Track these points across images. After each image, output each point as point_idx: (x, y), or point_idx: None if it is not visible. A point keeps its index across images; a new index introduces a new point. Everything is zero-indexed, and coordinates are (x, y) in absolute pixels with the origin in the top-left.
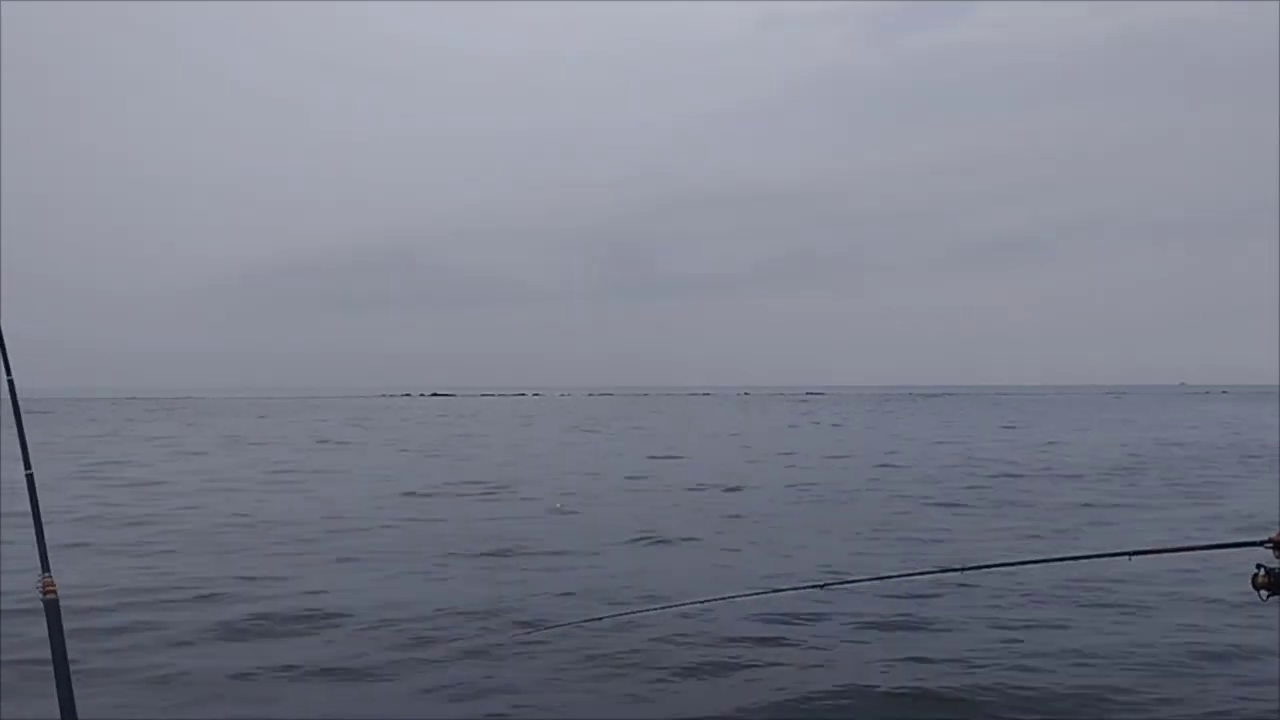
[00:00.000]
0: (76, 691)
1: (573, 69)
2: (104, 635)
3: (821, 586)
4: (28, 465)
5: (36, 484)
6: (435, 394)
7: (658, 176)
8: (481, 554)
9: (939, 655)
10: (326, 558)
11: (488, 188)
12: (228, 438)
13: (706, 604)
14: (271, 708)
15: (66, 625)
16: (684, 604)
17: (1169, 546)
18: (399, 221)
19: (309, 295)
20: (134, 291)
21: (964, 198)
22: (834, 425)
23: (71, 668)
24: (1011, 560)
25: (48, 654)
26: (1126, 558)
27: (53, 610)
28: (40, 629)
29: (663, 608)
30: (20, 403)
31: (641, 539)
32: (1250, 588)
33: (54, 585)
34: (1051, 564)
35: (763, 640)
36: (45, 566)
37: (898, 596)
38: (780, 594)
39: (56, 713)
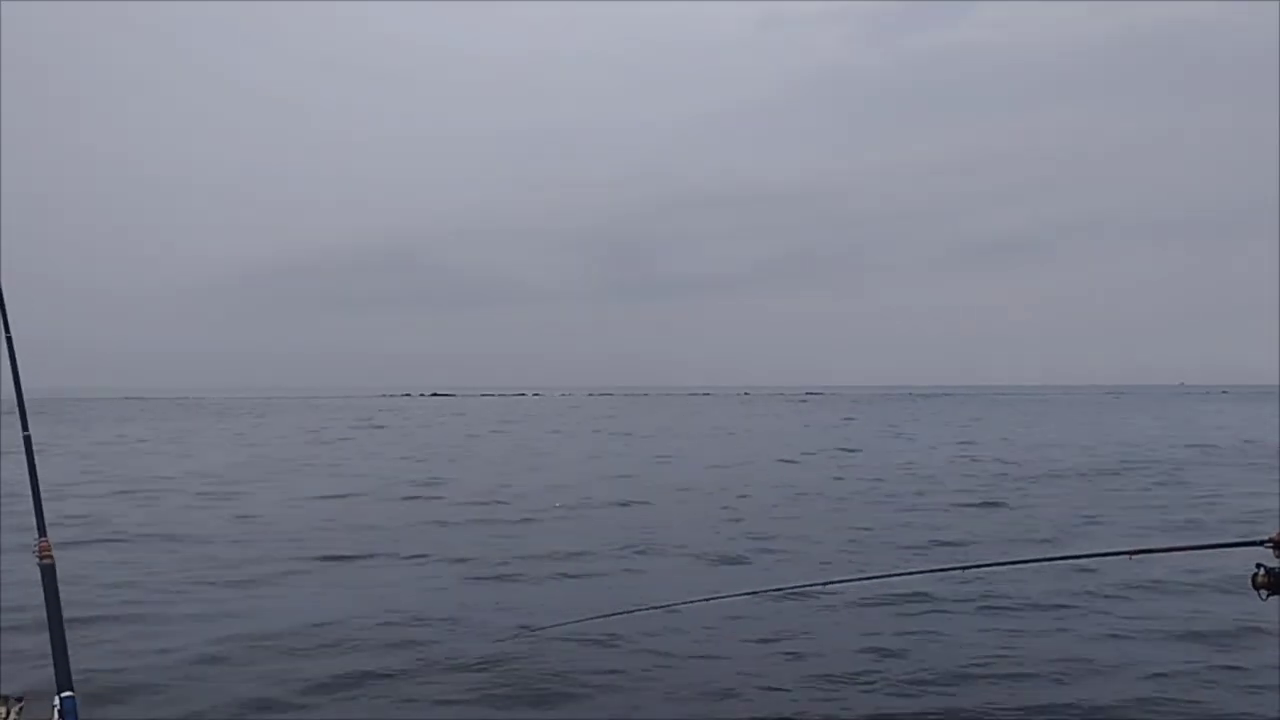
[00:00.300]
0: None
1: (573, 69)
2: None
3: (823, 585)
4: (25, 427)
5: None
6: (435, 394)
7: (658, 176)
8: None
9: (935, 653)
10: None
11: (488, 188)
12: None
13: (707, 602)
14: None
15: None
16: (683, 603)
17: (1169, 546)
18: (399, 221)
19: (309, 295)
20: (134, 291)
21: (964, 198)
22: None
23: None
24: (1012, 559)
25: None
26: (1127, 557)
27: (49, 574)
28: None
29: (662, 607)
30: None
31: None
32: (1250, 587)
33: (50, 549)
34: (1052, 562)
35: (762, 637)
36: (42, 530)
37: (897, 593)
38: (781, 591)
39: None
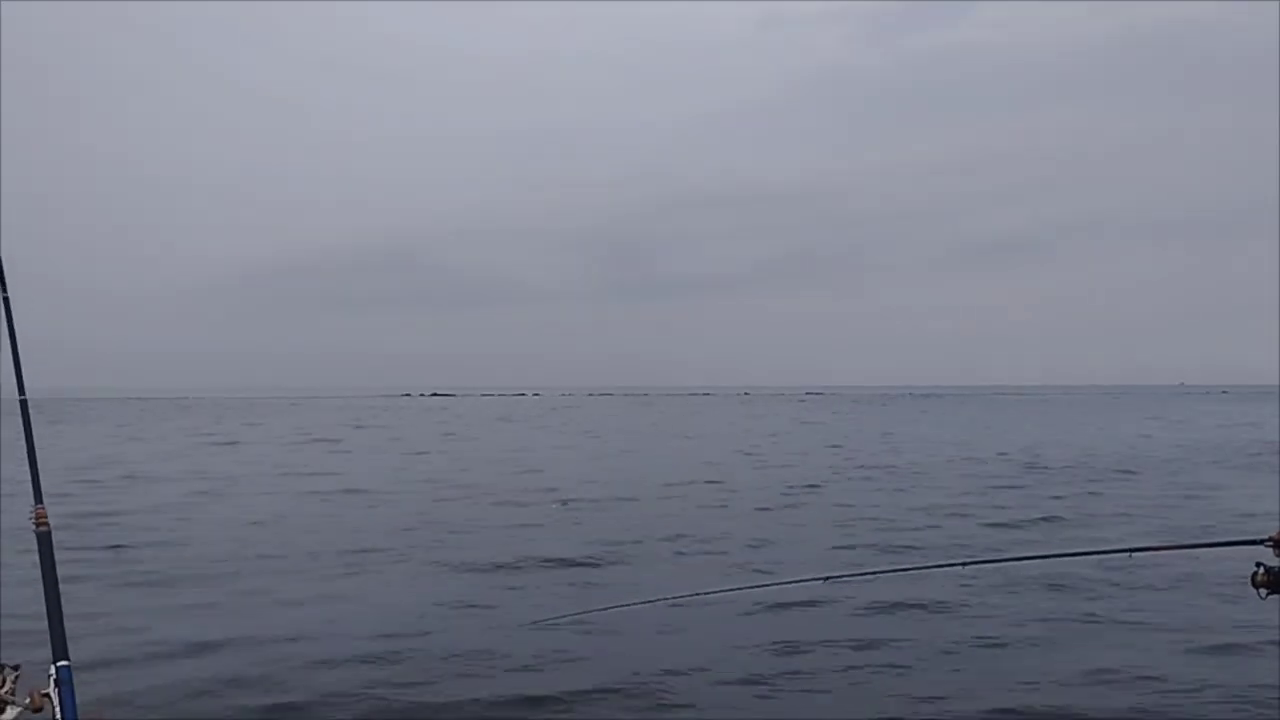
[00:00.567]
0: None
1: (573, 69)
2: None
3: (824, 579)
4: (21, 390)
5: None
6: (435, 394)
7: (658, 176)
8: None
9: (932, 650)
10: None
11: (488, 188)
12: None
13: (707, 595)
14: None
15: None
16: (682, 597)
17: (1169, 544)
18: (399, 221)
19: (309, 295)
20: (134, 291)
21: (964, 198)
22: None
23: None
24: (1012, 556)
25: None
26: (1127, 555)
27: (45, 542)
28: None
29: (661, 600)
30: (14, 401)
31: None
32: (1250, 586)
33: (47, 516)
34: (1051, 560)
35: (760, 634)
36: (38, 497)
37: (898, 590)
38: (781, 586)
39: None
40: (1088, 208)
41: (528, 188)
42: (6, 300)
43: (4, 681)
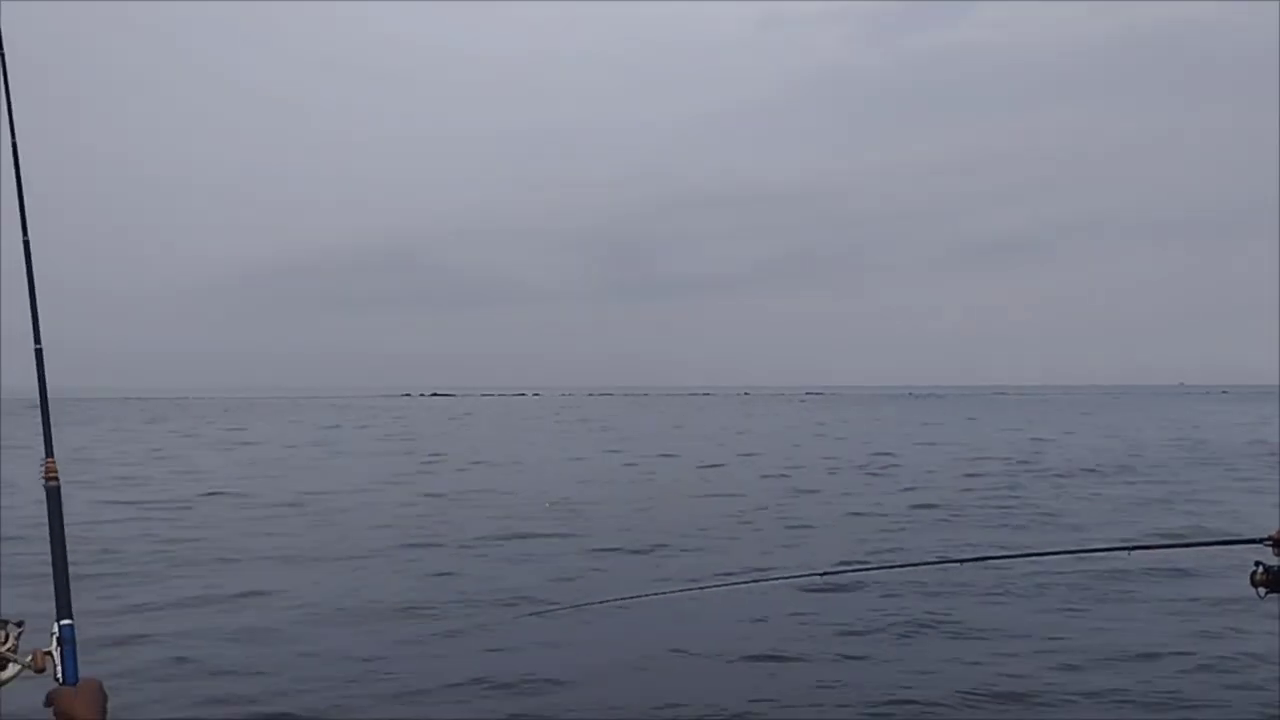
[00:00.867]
0: None
1: (573, 69)
2: None
3: (821, 575)
4: (37, 340)
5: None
6: (435, 394)
7: (658, 176)
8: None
9: (929, 647)
10: None
11: (488, 188)
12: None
13: (707, 590)
14: None
15: None
16: (684, 590)
17: (1169, 542)
18: (399, 221)
19: (309, 295)
20: (134, 292)
21: (964, 198)
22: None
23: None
24: (1011, 553)
25: None
26: (1126, 552)
27: (54, 497)
28: None
29: (661, 594)
30: (15, 401)
31: None
32: (1249, 585)
33: (57, 470)
34: (1050, 557)
35: (754, 628)
36: (49, 450)
37: (894, 586)
38: (780, 582)
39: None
40: (1088, 208)
41: (528, 188)
42: (27, 245)
43: (6, 638)
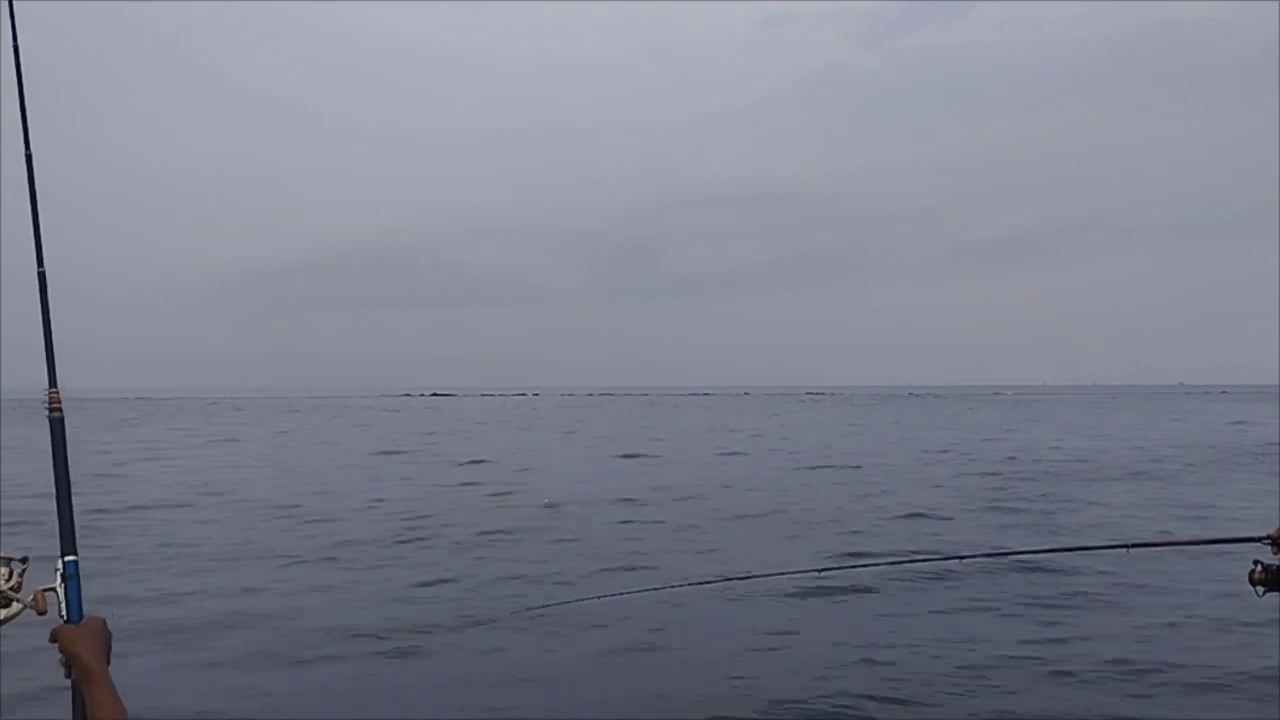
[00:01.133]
0: None
1: (574, 69)
2: None
3: (819, 571)
4: (40, 263)
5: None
6: (435, 394)
7: (658, 176)
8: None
9: (928, 645)
10: None
11: (488, 187)
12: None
13: (705, 585)
14: None
15: None
16: (681, 585)
17: (1167, 540)
18: (399, 221)
19: (309, 295)
20: (134, 292)
21: (964, 198)
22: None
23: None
24: (1009, 549)
25: None
26: (1125, 550)
27: (57, 428)
28: None
29: (659, 588)
30: (14, 401)
31: None
32: (1247, 583)
33: (60, 401)
34: (1048, 555)
35: (754, 622)
36: (52, 380)
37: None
38: (778, 577)
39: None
40: (1088, 208)
41: (528, 187)
42: (29, 157)
43: (10, 574)
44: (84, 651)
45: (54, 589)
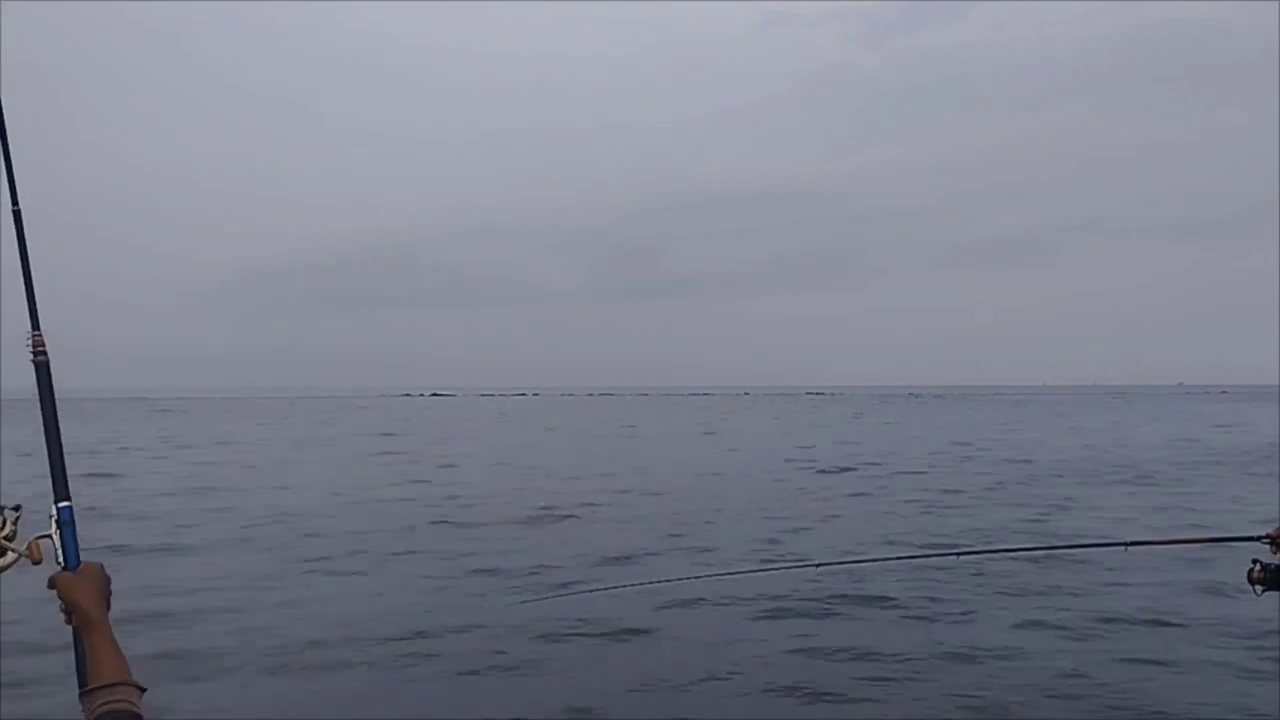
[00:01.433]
0: None
1: (574, 69)
2: None
3: (816, 565)
4: (15, 201)
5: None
6: (435, 394)
7: (658, 176)
8: None
9: (930, 643)
10: None
11: (488, 187)
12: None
13: (703, 580)
14: None
15: None
16: (679, 579)
17: (1166, 539)
18: (399, 221)
19: (309, 295)
20: (134, 291)
21: (964, 198)
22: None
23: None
24: (1008, 547)
25: None
26: (1123, 548)
27: (43, 372)
28: None
29: (656, 582)
30: (14, 402)
31: None
32: (1246, 582)
33: (45, 344)
34: (1047, 552)
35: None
36: (35, 323)
37: (893, 576)
38: (776, 572)
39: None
40: (1088, 208)
41: (529, 187)
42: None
43: (4, 523)
44: (82, 598)
45: (50, 536)
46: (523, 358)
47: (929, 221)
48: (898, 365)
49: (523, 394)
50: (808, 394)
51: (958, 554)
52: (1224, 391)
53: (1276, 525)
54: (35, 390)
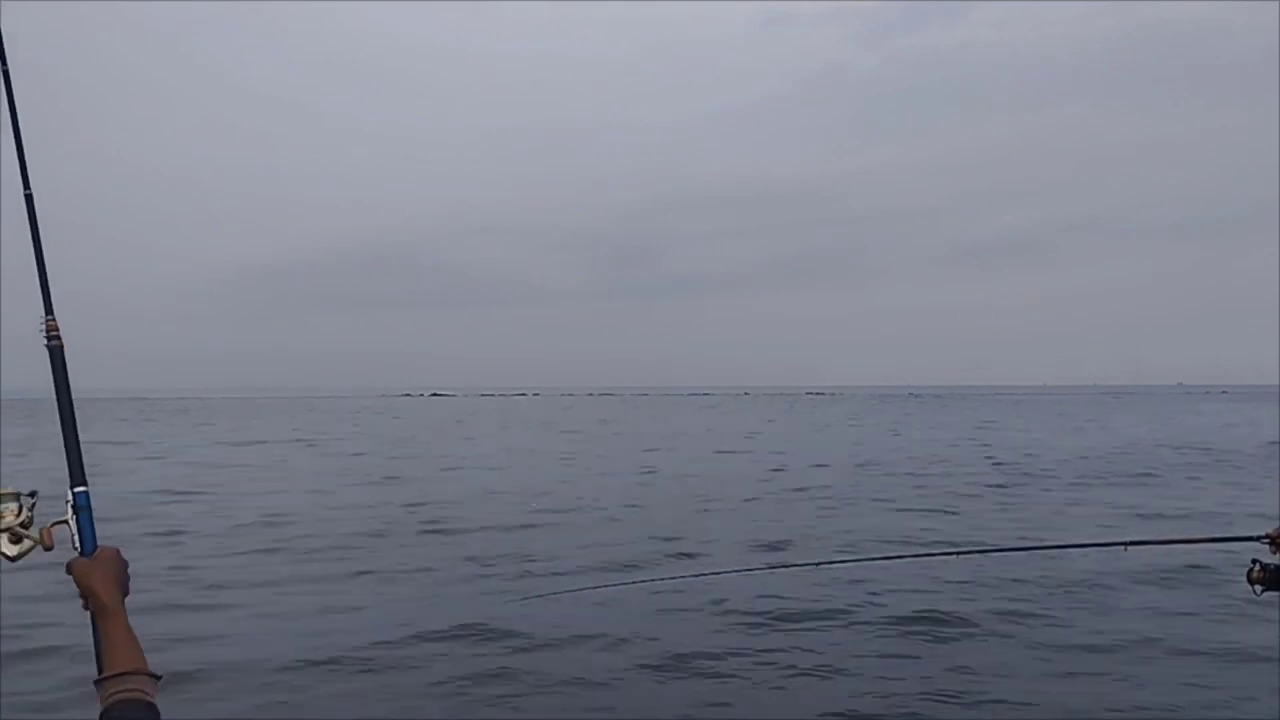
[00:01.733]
0: None
1: (574, 69)
2: None
3: (815, 565)
4: (26, 185)
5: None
6: (435, 394)
7: (658, 176)
8: None
9: (927, 640)
10: None
11: (488, 187)
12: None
13: (701, 578)
14: None
15: None
16: (678, 578)
17: (1166, 538)
18: (399, 221)
19: (309, 295)
20: (134, 291)
21: (964, 198)
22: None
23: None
24: (1007, 546)
25: None
26: (1122, 548)
27: (57, 357)
28: None
29: (655, 579)
30: (14, 401)
31: None
32: (1246, 582)
33: (58, 329)
34: (1046, 551)
35: (745, 617)
36: (48, 308)
37: (892, 575)
38: (775, 572)
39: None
40: (1088, 208)
41: (529, 187)
42: (6, 74)
43: (20, 510)
44: (97, 585)
45: (65, 521)
46: (523, 358)
47: (929, 221)
48: (898, 365)
49: (523, 394)
50: (808, 394)
51: (957, 554)
52: (1224, 391)
53: (1276, 525)
54: (29, 387)
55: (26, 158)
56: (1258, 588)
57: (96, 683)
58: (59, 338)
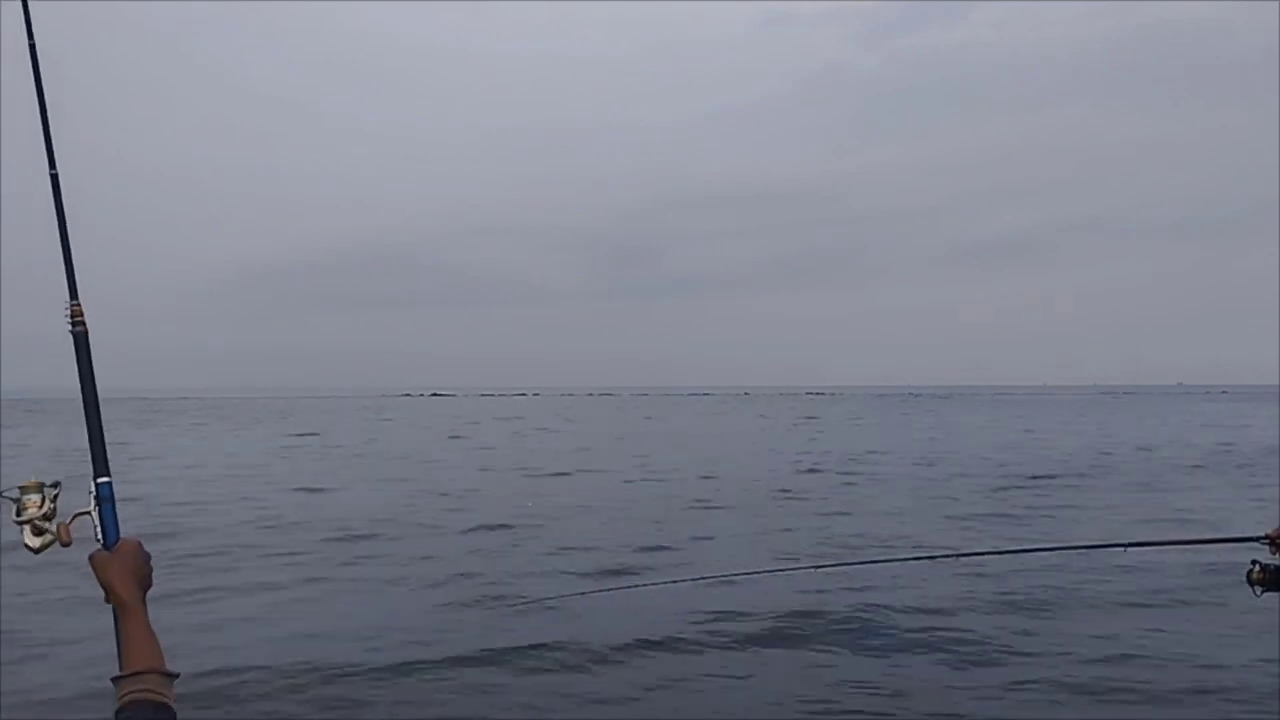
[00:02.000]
0: None
1: (574, 69)
2: None
3: (816, 568)
4: (52, 165)
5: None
6: (435, 394)
7: (659, 176)
8: None
9: (926, 640)
10: None
11: (488, 187)
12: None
13: (704, 579)
14: None
15: None
16: (681, 580)
17: (1166, 539)
18: (399, 221)
19: (309, 295)
20: (134, 292)
21: (964, 198)
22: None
23: None
24: (1007, 548)
25: None
26: (1122, 549)
27: (81, 343)
28: None
29: (655, 583)
30: (14, 401)
31: None
32: (1246, 582)
33: (83, 314)
34: (1047, 552)
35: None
36: (73, 292)
37: (893, 576)
38: (775, 574)
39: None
40: (1088, 208)
41: (529, 187)
42: (33, 48)
43: (43, 501)
44: (116, 580)
45: (88, 513)
46: (523, 358)
47: (929, 221)
48: (898, 365)
49: (522, 394)
50: (808, 394)
51: (957, 555)
52: (1224, 391)
53: (1276, 525)
54: (29, 387)
55: (52, 137)
56: (1257, 588)
57: (114, 680)
58: (84, 323)
